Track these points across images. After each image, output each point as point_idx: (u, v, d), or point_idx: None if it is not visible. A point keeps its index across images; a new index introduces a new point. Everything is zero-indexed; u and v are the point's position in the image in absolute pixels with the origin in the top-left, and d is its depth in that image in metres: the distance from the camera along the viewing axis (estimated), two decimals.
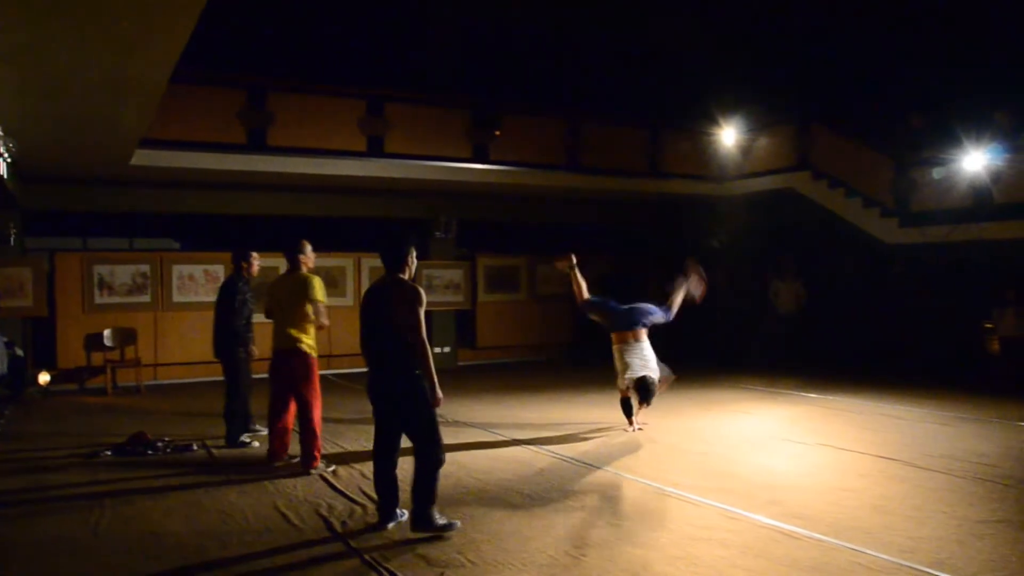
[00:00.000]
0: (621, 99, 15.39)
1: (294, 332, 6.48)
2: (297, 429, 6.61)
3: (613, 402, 9.52)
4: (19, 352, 10.50)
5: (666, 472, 6.38)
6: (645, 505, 5.49)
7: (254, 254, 7.78)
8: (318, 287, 6.52)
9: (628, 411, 8.04)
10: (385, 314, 4.91)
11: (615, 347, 7.96)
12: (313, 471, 6.40)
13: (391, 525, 5.02)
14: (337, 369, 13.13)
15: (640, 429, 8.05)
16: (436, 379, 4.88)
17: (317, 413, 6.53)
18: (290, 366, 6.49)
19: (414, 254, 5.13)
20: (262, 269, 8.11)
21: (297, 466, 6.55)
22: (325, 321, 6.52)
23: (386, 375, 4.94)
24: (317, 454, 6.52)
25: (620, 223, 16.47)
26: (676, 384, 11.24)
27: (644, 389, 7.65)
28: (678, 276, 8.54)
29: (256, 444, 7.47)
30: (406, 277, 5.05)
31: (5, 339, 10.30)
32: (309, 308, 6.50)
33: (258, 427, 7.76)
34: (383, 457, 5.05)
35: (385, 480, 5.06)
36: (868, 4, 14.53)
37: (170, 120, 10.17)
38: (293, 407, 6.68)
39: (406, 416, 4.91)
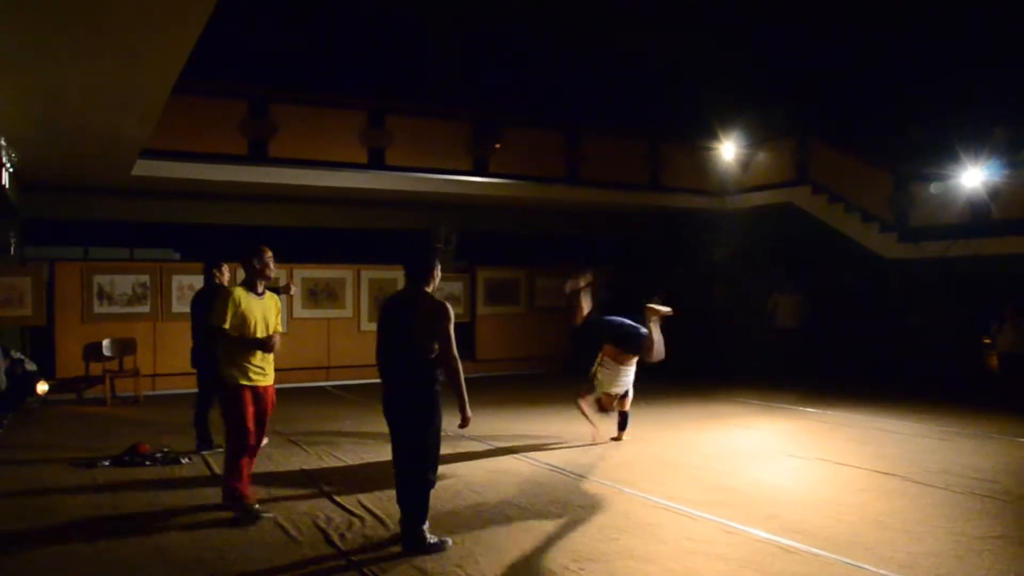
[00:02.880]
0: (621, 113, 15.45)
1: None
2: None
3: (612, 415, 9.51)
4: (31, 367, 10.44)
5: (664, 486, 6.37)
6: (643, 519, 5.48)
7: (224, 264, 7.86)
8: (217, 305, 5.60)
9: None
10: (406, 327, 4.79)
11: (626, 366, 7.99)
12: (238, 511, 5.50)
13: None
14: (336, 380, 13.12)
15: (616, 439, 8.21)
16: (467, 398, 4.84)
17: (231, 447, 5.58)
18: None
19: (439, 267, 5.01)
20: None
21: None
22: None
23: (400, 388, 4.84)
24: (237, 492, 5.55)
25: (620, 236, 16.50)
26: (676, 398, 11.28)
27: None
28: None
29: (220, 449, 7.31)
30: (430, 290, 4.93)
31: (18, 355, 10.32)
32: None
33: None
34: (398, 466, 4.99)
35: None
36: (868, 19, 14.61)
37: (172, 130, 10.19)
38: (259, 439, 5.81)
39: (410, 429, 4.82)
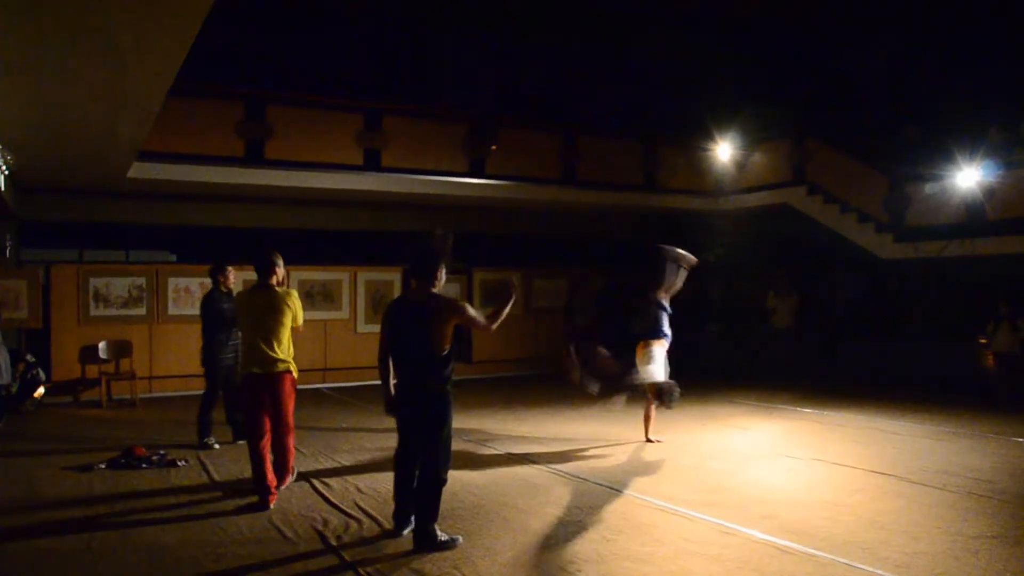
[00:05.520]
0: (617, 114, 15.47)
1: (279, 352, 5.86)
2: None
3: (608, 416, 9.54)
4: (42, 375, 10.57)
5: (661, 486, 6.38)
6: (640, 520, 5.48)
7: (229, 268, 8.11)
8: (299, 303, 6.07)
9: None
10: (420, 329, 4.84)
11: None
12: (282, 487, 6.09)
13: (407, 531, 5.06)
14: (332, 383, 13.10)
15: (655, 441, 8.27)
16: (504, 311, 5.19)
17: (292, 433, 6.15)
18: (278, 390, 5.87)
19: (444, 268, 5.02)
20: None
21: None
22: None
23: (417, 389, 4.89)
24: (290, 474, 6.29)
25: (616, 237, 16.51)
26: None
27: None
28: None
29: (217, 446, 7.92)
30: (436, 290, 4.97)
31: (32, 358, 10.52)
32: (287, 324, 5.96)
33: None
34: (404, 464, 5.09)
35: (405, 487, 5.09)
36: (863, 21, 14.64)
37: (168, 132, 10.20)
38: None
39: (428, 431, 4.90)
